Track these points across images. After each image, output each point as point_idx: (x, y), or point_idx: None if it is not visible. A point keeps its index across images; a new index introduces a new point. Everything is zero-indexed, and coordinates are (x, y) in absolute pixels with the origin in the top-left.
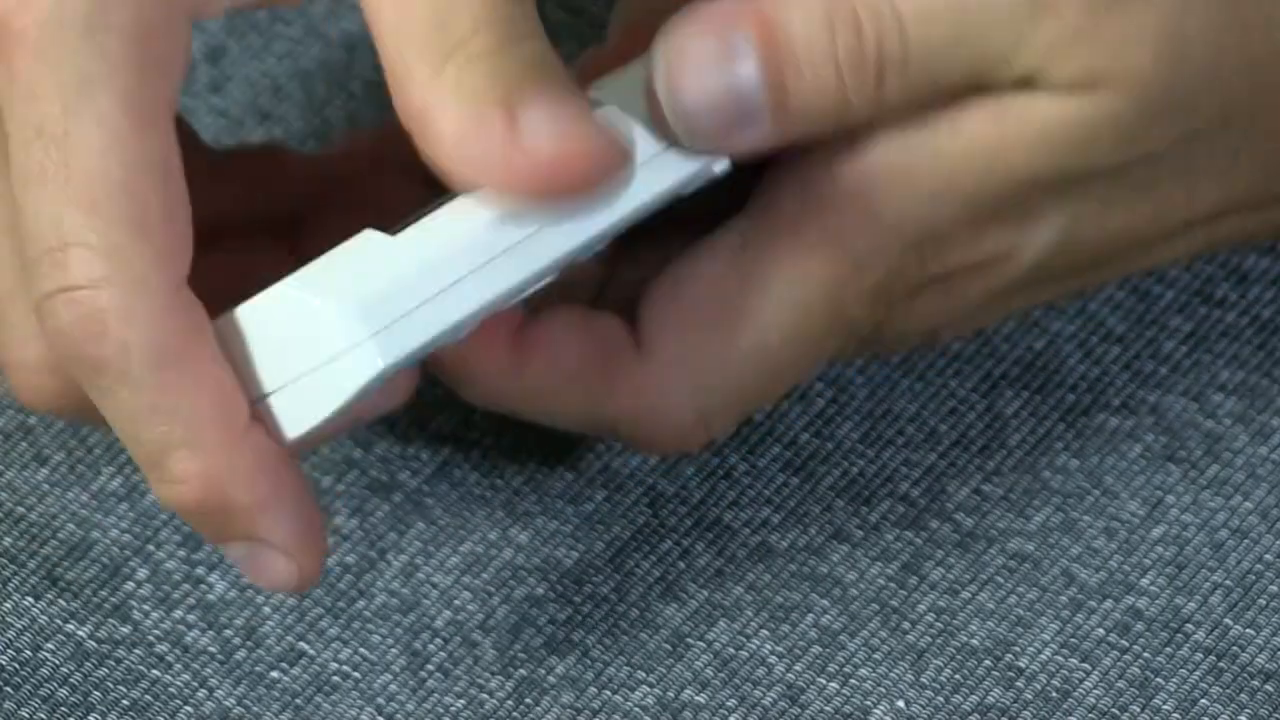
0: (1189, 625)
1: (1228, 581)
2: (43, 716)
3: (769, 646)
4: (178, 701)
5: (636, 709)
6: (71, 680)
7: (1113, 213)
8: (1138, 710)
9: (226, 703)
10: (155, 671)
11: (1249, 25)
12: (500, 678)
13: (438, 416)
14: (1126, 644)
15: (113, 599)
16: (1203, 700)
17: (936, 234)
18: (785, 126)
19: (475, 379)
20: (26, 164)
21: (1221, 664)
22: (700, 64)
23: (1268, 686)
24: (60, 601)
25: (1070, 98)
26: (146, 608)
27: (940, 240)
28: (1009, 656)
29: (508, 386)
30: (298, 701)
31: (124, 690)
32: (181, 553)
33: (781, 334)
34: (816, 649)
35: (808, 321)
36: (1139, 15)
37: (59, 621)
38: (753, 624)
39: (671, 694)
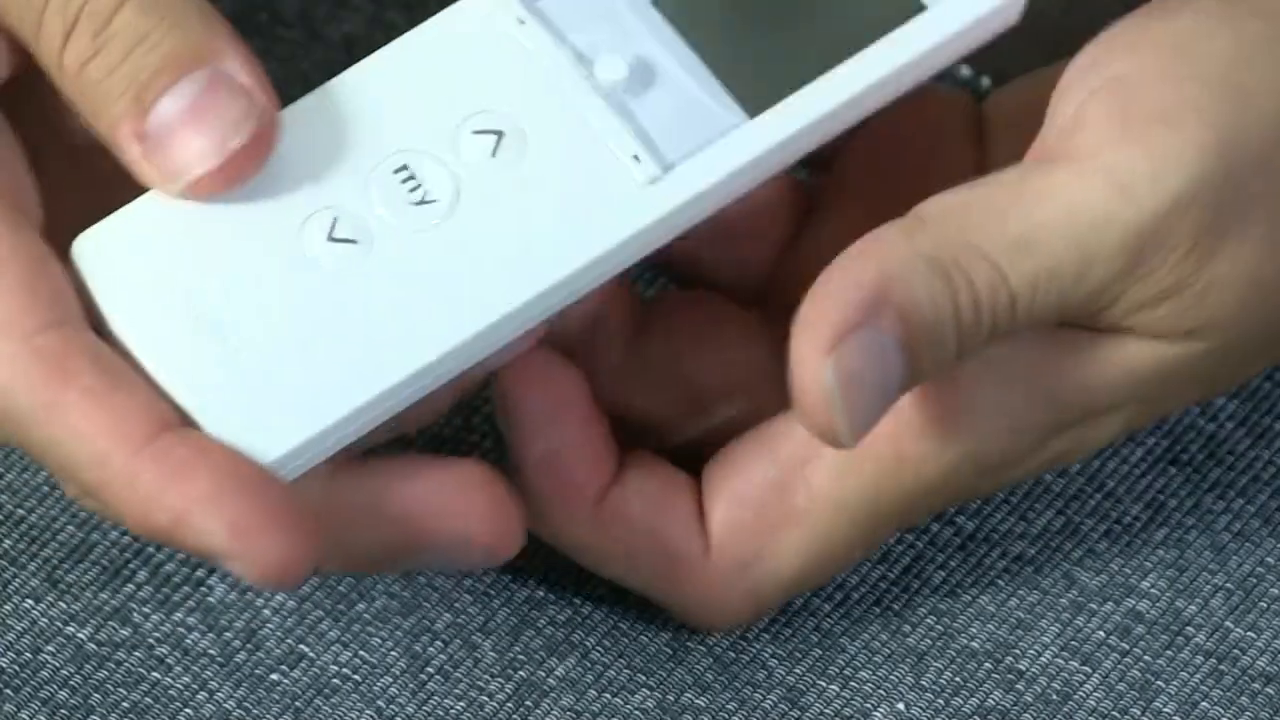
0: (1190, 628)
1: (1229, 584)
2: (43, 718)
3: (769, 649)
4: (178, 704)
5: (636, 712)
6: (72, 682)
7: (1170, 406)
8: (1138, 713)
9: (226, 705)
10: (155, 674)
11: None
12: (500, 680)
13: (439, 419)
14: (1127, 646)
15: (113, 601)
16: (1203, 703)
17: (1008, 460)
18: (909, 389)
19: (555, 525)
20: None
21: (1222, 667)
22: (870, 389)
23: (1268, 689)
24: (60, 604)
25: (1159, 343)
26: (147, 610)
27: (1011, 463)
28: (1009, 659)
29: (581, 545)
30: (298, 704)
31: (124, 693)
32: (181, 555)
33: (848, 542)
34: (817, 652)
35: (872, 532)
36: (1227, 270)
37: (59, 624)
38: (753, 627)
39: (671, 697)
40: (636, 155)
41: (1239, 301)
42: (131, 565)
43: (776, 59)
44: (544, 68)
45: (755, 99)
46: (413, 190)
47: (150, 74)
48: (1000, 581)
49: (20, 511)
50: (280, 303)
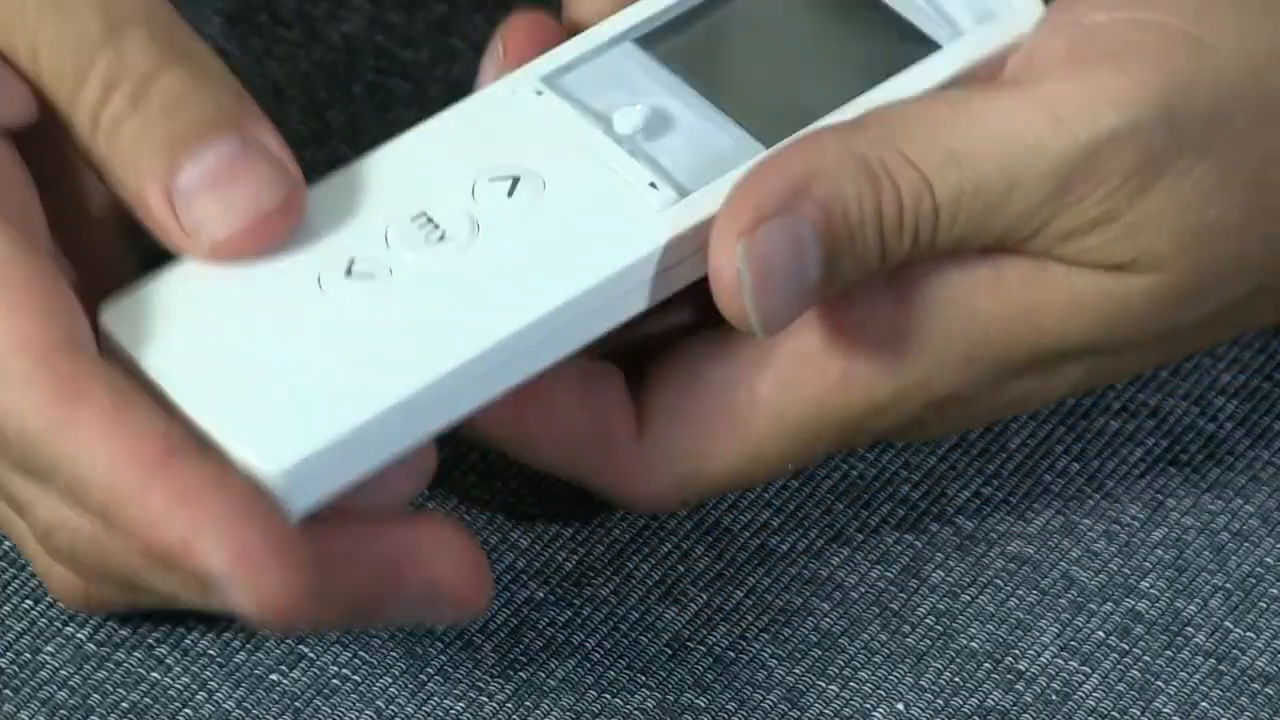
0: (1189, 628)
1: (1228, 584)
2: (43, 719)
3: (769, 650)
4: (177, 704)
5: (636, 712)
6: (71, 683)
7: (1130, 361)
8: (1138, 713)
9: (226, 705)
10: (155, 674)
11: (1270, 209)
12: (500, 681)
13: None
14: (1126, 647)
15: None
16: (1203, 703)
17: (961, 395)
18: (830, 291)
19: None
20: None
21: (1222, 667)
22: (782, 279)
23: (1268, 690)
24: (60, 604)
25: (1101, 274)
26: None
27: (964, 398)
28: (1009, 659)
29: (501, 434)
30: (297, 704)
31: (123, 693)
32: None
33: (781, 454)
34: (816, 652)
35: (808, 446)
36: (1161, 206)
37: (58, 624)
38: (753, 627)
39: (671, 697)
40: (653, 183)
41: (1174, 238)
42: None
43: (791, 98)
44: (562, 127)
45: (771, 132)
46: (430, 232)
47: (184, 133)
48: (999, 581)
49: None
50: (297, 331)
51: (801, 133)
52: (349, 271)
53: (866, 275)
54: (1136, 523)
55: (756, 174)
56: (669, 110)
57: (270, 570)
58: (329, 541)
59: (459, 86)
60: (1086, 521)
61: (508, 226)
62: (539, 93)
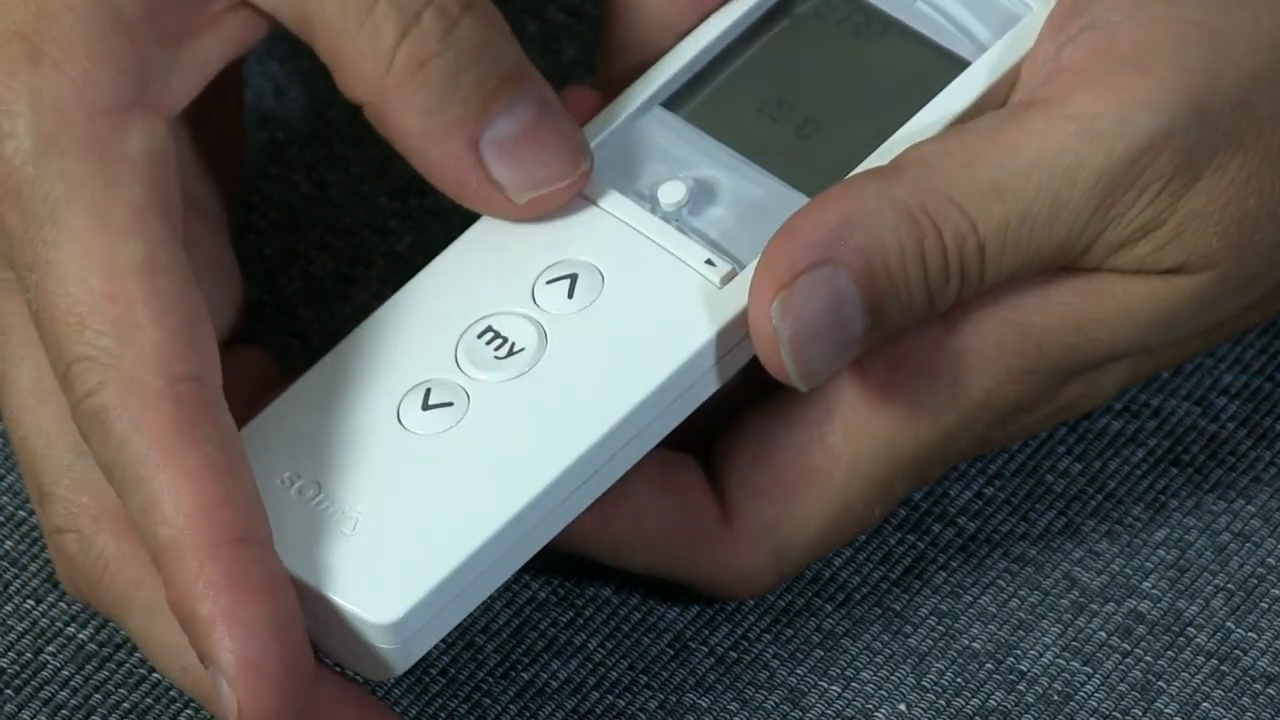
0: (1191, 628)
1: (1230, 585)
2: (44, 719)
3: (771, 650)
4: (179, 705)
5: (639, 713)
6: (73, 683)
7: (1172, 354)
8: (1139, 713)
9: None
10: (156, 674)
11: None
12: (503, 682)
13: None
14: (1128, 647)
15: None
16: (1204, 704)
17: (1021, 407)
18: (877, 340)
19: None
20: (32, 302)
21: (1223, 667)
22: (821, 332)
23: (1270, 690)
24: (61, 604)
25: (1153, 279)
26: None
27: (1024, 409)
28: (1011, 659)
29: (590, 542)
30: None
31: (125, 693)
32: None
33: (866, 501)
34: (819, 652)
35: (889, 487)
36: (1203, 204)
37: (60, 624)
38: (755, 628)
39: (674, 698)
40: (709, 260)
41: (1220, 234)
42: None
43: (831, 143)
44: (608, 214)
45: (817, 182)
46: (499, 348)
47: (496, 83)
48: (1001, 582)
49: (21, 513)
50: (386, 476)
51: (844, 180)
52: (426, 403)
53: (916, 321)
54: (1138, 523)
55: (791, 224)
56: (711, 177)
57: (268, 696)
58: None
59: None
60: (1089, 522)
61: (573, 330)
62: None
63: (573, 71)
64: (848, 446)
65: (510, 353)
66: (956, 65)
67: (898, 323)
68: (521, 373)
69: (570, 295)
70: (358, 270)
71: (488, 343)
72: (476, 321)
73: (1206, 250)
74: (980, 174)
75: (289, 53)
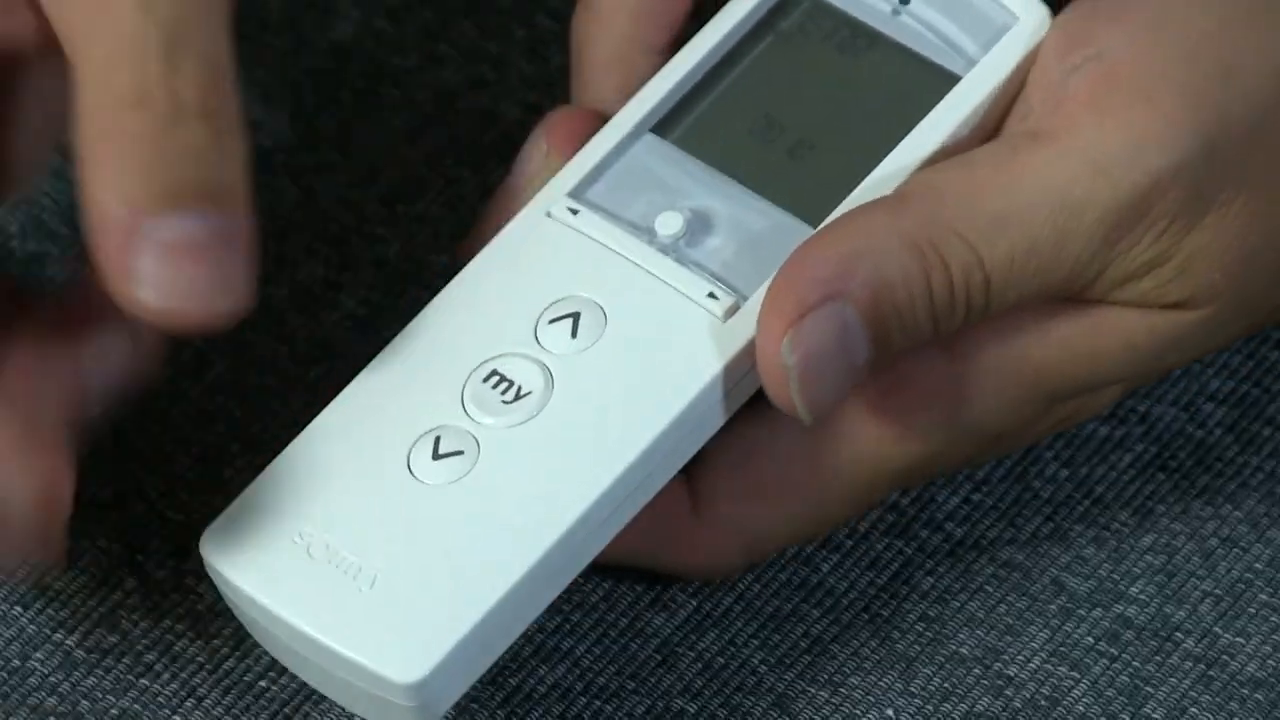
0: (1178, 633)
1: (1217, 590)
2: None
3: (759, 656)
4: (166, 711)
5: (626, 718)
6: (60, 689)
7: (1169, 368)
8: (1127, 718)
9: (215, 712)
10: (144, 680)
11: None
12: (491, 688)
13: None
14: (1116, 652)
15: (101, 608)
16: (1192, 709)
17: (1013, 430)
18: (879, 367)
19: None
20: None
21: (1211, 672)
22: (828, 366)
23: (1257, 695)
24: (49, 611)
25: (1154, 313)
26: (135, 617)
27: (1016, 430)
28: (998, 665)
29: None
30: (286, 711)
31: (113, 699)
32: (170, 562)
33: (843, 506)
34: (806, 658)
35: (868, 496)
36: (1209, 241)
37: (48, 630)
38: (743, 633)
39: (661, 704)
40: (711, 293)
41: (1224, 270)
42: (120, 572)
43: (827, 166)
44: (605, 246)
45: (815, 208)
46: (505, 391)
47: (186, 186)
48: (989, 588)
49: None
50: (400, 529)
51: (844, 205)
52: (436, 452)
53: (918, 347)
54: (1126, 529)
55: (798, 259)
56: (707, 206)
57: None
58: None
59: (447, 93)
60: (1076, 528)
61: (579, 371)
62: (574, 211)
63: (560, 79)
64: (833, 459)
65: (517, 396)
66: (946, 80)
67: (901, 350)
68: (530, 417)
69: (574, 335)
70: (346, 277)
71: (494, 386)
72: (481, 364)
73: (1210, 285)
74: (986, 206)
75: (276, 60)
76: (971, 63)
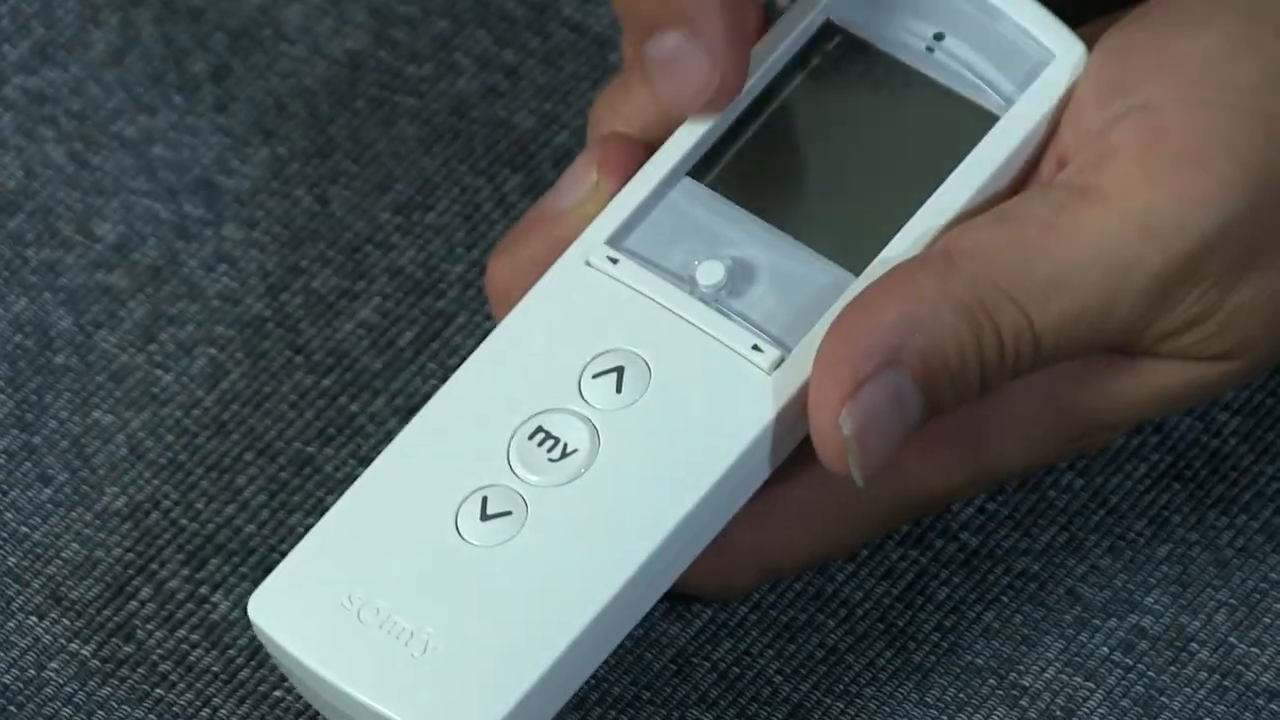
0: (1193, 644)
1: (1232, 600)
2: None
3: (774, 666)
4: None
5: None
6: (75, 699)
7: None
8: None
9: None
10: (159, 690)
11: None
12: None
13: None
14: (1131, 662)
15: (116, 618)
16: (1207, 719)
17: (1032, 466)
18: (928, 422)
19: None
20: None
21: (1226, 682)
22: (884, 431)
23: (1272, 705)
24: (64, 621)
25: (1189, 365)
26: (150, 627)
27: (1026, 469)
28: (1013, 675)
29: None
30: None
31: (128, 710)
32: (185, 572)
33: (861, 535)
34: (822, 668)
35: (884, 526)
36: (1250, 297)
37: (63, 640)
38: (758, 643)
39: (676, 714)
40: (756, 345)
41: (1262, 325)
42: (135, 582)
43: (867, 210)
44: (647, 296)
45: (857, 256)
46: (551, 449)
47: None
48: (1004, 598)
49: (24, 529)
50: (451, 593)
51: (887, 250)
52: (485, 514)
53: (967, 401)
54: (1141, 539)
55: (850, 324)
56: (748, 254)
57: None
58: None
59: (462, 102)
60: (1091, 538)
61: (625, 427)
62: (614, 260)
63: (574, 87)
64: (854, 488)
65: (564, 454)
66: (984, 119)
67: (950, 407)
68: (577, 475)
69: (619, 389)
70: (360, 285)
71: (539, 444)
72: (526, 421)
73: (1249, 338)
74: (1038, 270)
75: (290, 69)
76: (1009, 101)
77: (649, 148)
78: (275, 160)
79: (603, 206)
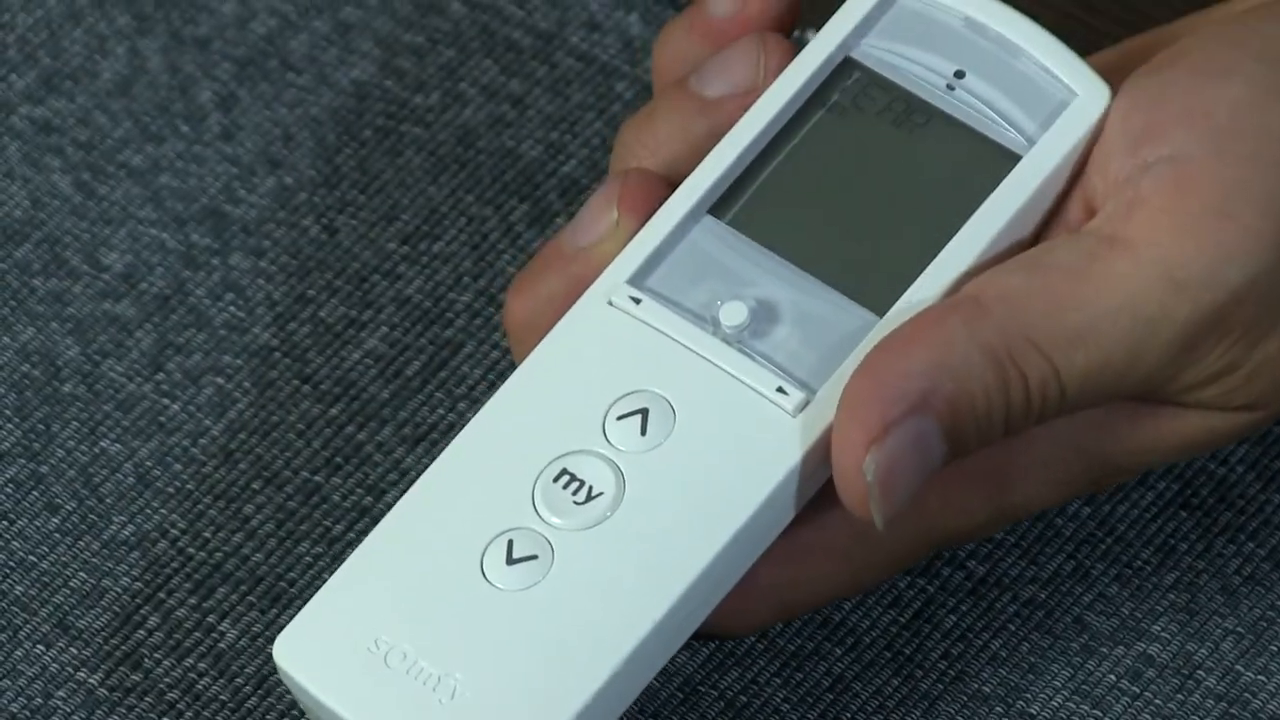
0: (1200, 671)
1: (1239, 628)
2: None
3: (781, 694)
4: None
5: None
6: None
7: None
8: None
9: None
10: (166, 719)
11: None
12: None
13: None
14: (1138, 690)
15: (124, 647)
16: None
17: (1043, 509)
18: (950, 464)
19: None
20: None
21: (1233, 710)
22: (908, 476)
23: None
24: (72, 649)
25: (1212, 415)
26: (158, 656)
27: (1044, 509)
28: (1020, 703)
29: None
30: None
31: None
32: (193, 601)
33: (880, 573)
34: (829, 697)
35: (905, 563)
36: (1275, 350)
37: (70, 669)
38: (765, 672)
39: None
40: (780, 387)
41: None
42: (143, 611)
43: (889, 250)
44: (670, 336)
45: (881, 297)
46: (576, 491)
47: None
48: (1011, 626)
49: (32, 558)
50: (478, 637)
51: (911, 290)
52: (510, 558)
53: (989, 444)
54: (1148, 566)
55: (877, 368)
56: (771, 295)
57: None
58: None
59: (469, 131)
60: (1098, 566)
61: (650, 470)
62: (636, 300)
63: (581, 116)
64: (874, 528)
65: (589, 497)
66: (1006, 158)
67: (973, 450)
68: (603, 518)
69: (643, 432)
70: (367, 315)
71: (565, 486)
72: (551, 463)
73: (1273, 390)
74: (1065, 320)
75: (297, 99)
76: (1031, 141)
77: (671, 184)
78: (282, 190)
79: (622, 244)
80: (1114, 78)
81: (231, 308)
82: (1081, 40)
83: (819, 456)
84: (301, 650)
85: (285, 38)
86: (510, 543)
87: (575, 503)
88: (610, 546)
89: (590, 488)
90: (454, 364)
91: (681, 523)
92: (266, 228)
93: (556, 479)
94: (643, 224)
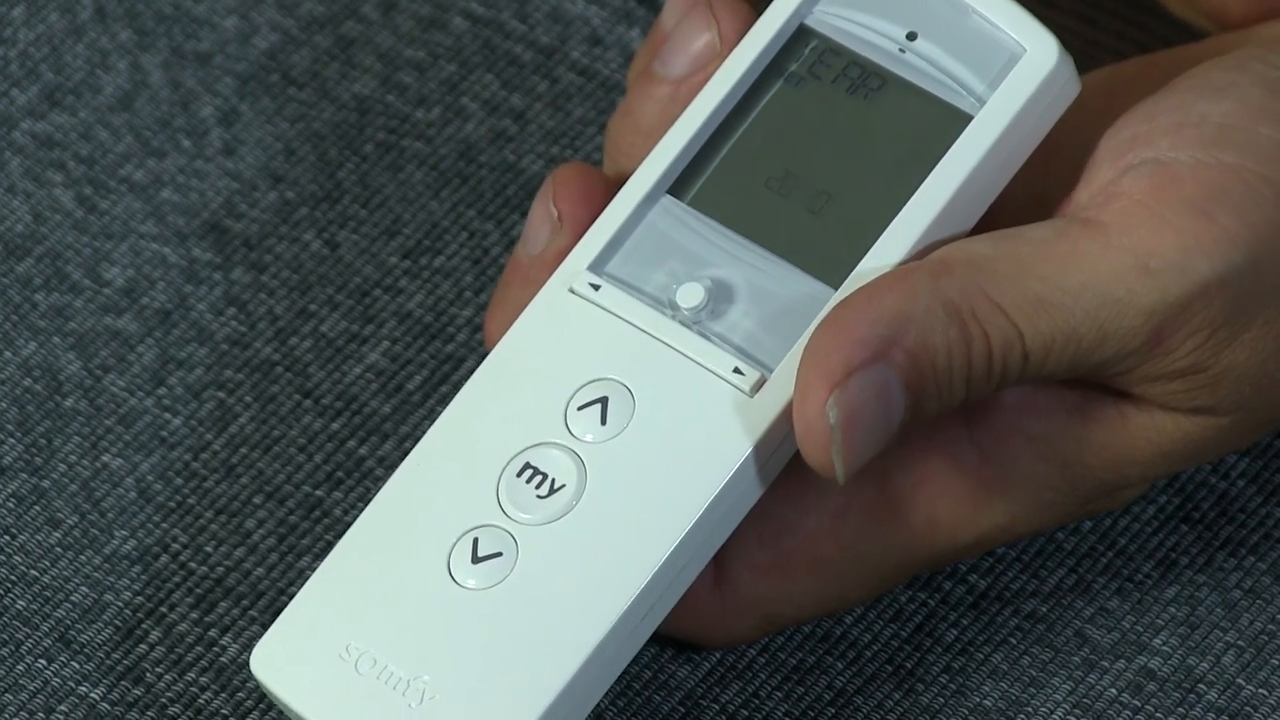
0: (1201, 685)
1: (1240, 642)
2: None
3: (783, 709)
4: None
5: None
6: None
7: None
8: None
9: None
10: None
11: None
12: None
13: None
14: (1139, 704)
15: (125, 661)
16: None
17: (1034, 530)
18: (910, 430)
19: None
20: None
21: None
22: (868, 427)
23: None
24: (73, 664)
25: (1181, 417)
26: (159, 670)
27: (1035, 531)
28: (1022, 717)
29: None
30: None
31: None
32: (194, 615)
33: (864, 590)
34: (830, 710)
35: (889, 583)
36: (1245, 358)
37: (72, 683)
38: (766, 686)
39: None
40: (737, 368)
41: (1254, 386)
42: (144, 626)
43: (845, 220)
44: (628, 322)
45: (835, 269)
46: (539, 485)
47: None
48: (1013, 639)
49: (33, 572)
50: (446, 639)
51: (866, 259)
52: (476, 555)
53: (947, 411)
54: (1149, 580)
55: (842, 319)
56: (728, 275)
57: None
58: None
59: (470, 146)
60: (1100, 579)
61: (611, 459)
62: (595, 286)
63: (582, 131)
64: (860, 543)
65: (551, 490)
66: (958, 119)
67: (933, 414)
68: (566, 511)
69: (604, 421)
70: (369, 329)
71: (528, 480)
72: (515, 457)
73: (1238, 396)
74: (1029, 285)
75: (298, 114)
76: (982, 100)
77: (604, 177)
78: (284, 204)
79: (572, 239)
80: (1131, 89)
81: (233, 322)
82: (1082, 53)
83: (778, 434)
84: (275, 660)
85: (287, 52)
86: (475, 541)
87: (538, 497)
88: (574, 538)
89: (553, 481)
90: (455, 378)
91: (644, 509)
92: (268, 242)
93: (520, 473)
94: (585, 214)
